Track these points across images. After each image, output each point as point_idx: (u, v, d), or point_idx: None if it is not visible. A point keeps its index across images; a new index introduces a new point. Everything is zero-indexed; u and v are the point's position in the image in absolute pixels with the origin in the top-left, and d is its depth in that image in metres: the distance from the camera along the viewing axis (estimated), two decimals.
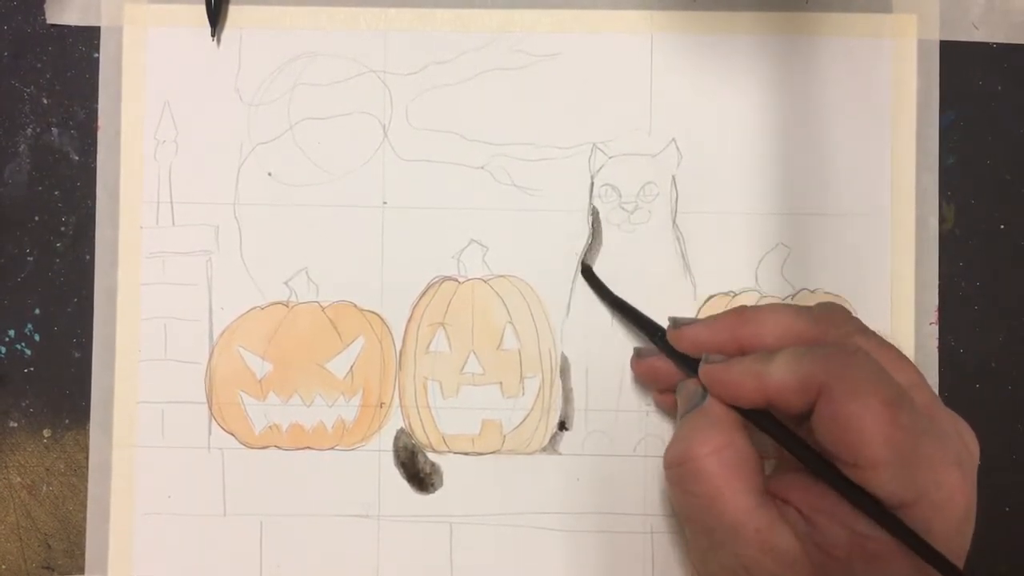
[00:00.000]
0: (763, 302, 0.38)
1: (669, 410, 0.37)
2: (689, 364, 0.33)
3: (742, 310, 0.33)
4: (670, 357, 0.34)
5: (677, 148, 0.38)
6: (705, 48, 0.38)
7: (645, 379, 0.37)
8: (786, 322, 0.31)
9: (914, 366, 0.30)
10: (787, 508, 0.29)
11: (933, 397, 0.30)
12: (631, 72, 0.38)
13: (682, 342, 0.33)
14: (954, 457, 0.27)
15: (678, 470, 0.30)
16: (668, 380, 0.34)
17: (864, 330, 0.31)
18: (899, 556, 0.27)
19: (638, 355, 0.36)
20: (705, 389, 0.31)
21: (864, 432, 0.26)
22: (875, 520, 0.27)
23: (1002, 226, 0.38)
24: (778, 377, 0.29)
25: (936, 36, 0.38)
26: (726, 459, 0.29)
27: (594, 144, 0.38)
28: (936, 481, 0.27)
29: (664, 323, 0.34)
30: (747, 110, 0.38)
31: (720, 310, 0.38)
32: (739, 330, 0.32)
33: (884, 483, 0.27)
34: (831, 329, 0.30)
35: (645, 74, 0.38)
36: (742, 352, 0.31)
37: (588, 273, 0.37)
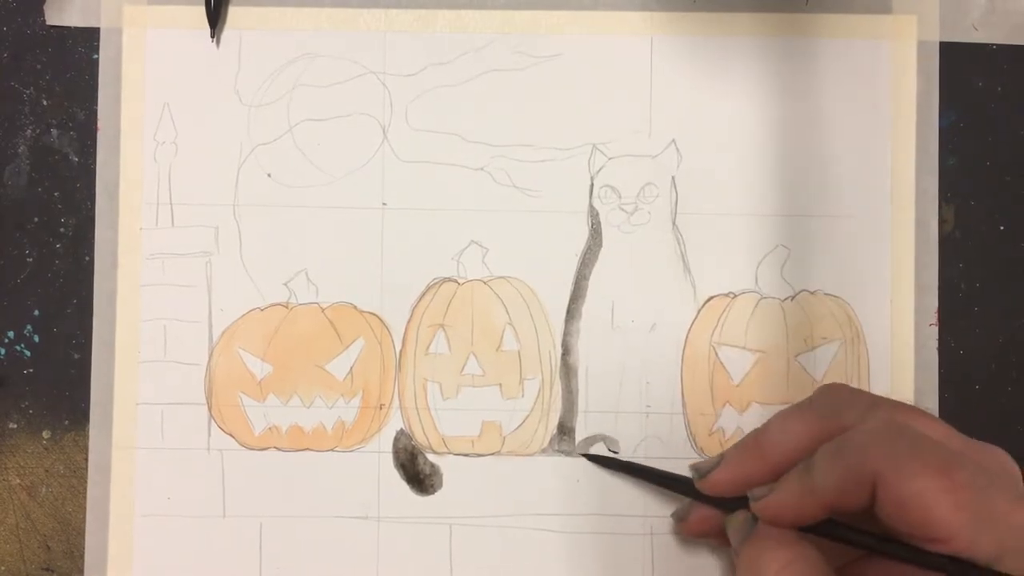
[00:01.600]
0: (763, 304, 0.38)
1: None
2: (729, 503, 0.32)
3: (754, 439, 0.32)
4: (708, 504, 0.33)
5: (677, 149, 0.38)
6: (705, 50, 0.38)
7: (700, 535, 0.35)
8: (798, 431, 0.30)
9: (931, 415, 0.30)
10: None
11: (965, 440, 0.29)
12: (631, 74, 0.38)
13: (714, 489, 0.32)
14: (1014, 492, 0.27)
15: None
16: (720, 526, 0.33)
17: (874, 401, 0.30)
18: None
19: (679, 517, 0.35)
20: (754, 516, 0.31)
21: (932, 508, 0.26)
22: None
23: (1002, 227, 0.38)
24: (830, 486, 0.28)
25: (936, 37, 0.38)
26: (799, 572, 0.28)
27: (594, 145, 0.38)
28: (1012, 526, 0.26)
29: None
30: (747, 112, 0.38)
31: (720, 311, 0.38)
32: (761, 459, 0.31)
33: (966, 548, 0.26)
34: (844, 414, 0.30)
35: (645, 76, 0.38)
36: (775, 473, 0.31)
37: (590, 456, 0.37)
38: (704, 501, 0.33)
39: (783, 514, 0.30)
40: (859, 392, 0.31)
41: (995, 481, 0.27)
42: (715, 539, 0.35)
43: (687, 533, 0.36)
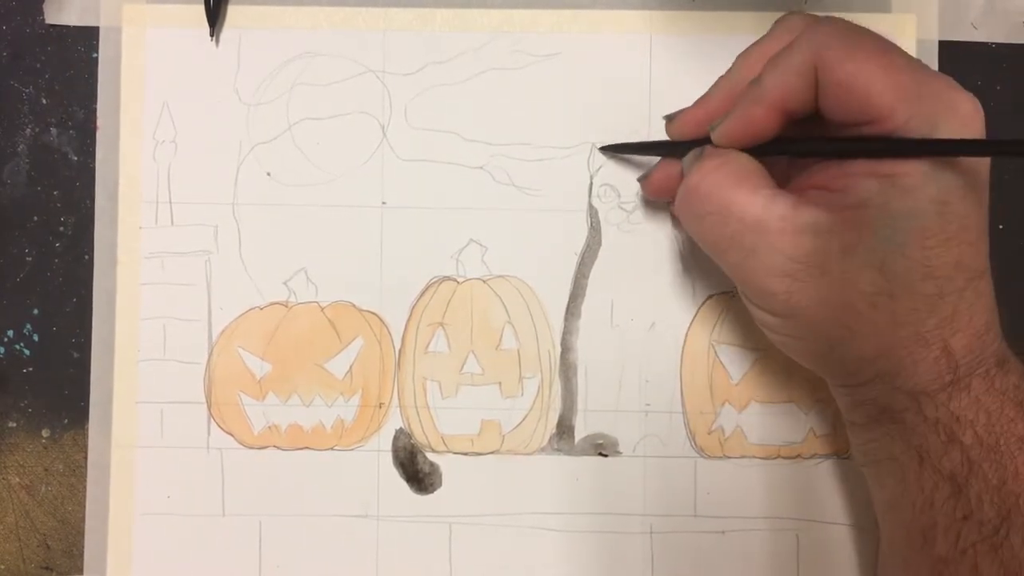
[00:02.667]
0: None
1: None
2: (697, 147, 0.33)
3: (718, 79, 0.33)
4: (678, 156, 0.34)
5: None
6: (704, 48, 0.38)
7: (659, 191, 0.36)
8: (757, 59, 0.31)
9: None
10: (806, 192, 0.30)
11: (911, 55, 0.30)
12: (630, 72, 0.38)
13: (681, 128, 0.33)
14: (953, 84, 0.28)
15: (686, 203, 0.31)
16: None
17: (826, 16, 0.31)
18: (927, 179, 0.27)
19: (643, 177, 0.36)
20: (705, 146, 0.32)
21: (869, 84, 0.27)
22: (911, 154, 0.27)
23: (1001, 226, 0.38)
24: (775, 83, 0.29)
25: (935, 36, 0.38)
26: (727, 172, 0.30)
27: (593, 144, 0.38)
28: (949, 105, 0.27)
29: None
30: None
31: (720, 310, 0.38)
32: (724, 93, 0.32)
33: (902, 126, 0.27)
34: (795, 30, 0.30)
35: (644, 74, 0.38)
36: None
37: (606, 149, 0.38)
38: (678, 154, 0.34)
39: (737, 132, 0.30)
40: (812, 15, 0.31)
41: (936, 75, 0.29)
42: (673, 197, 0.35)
43: (650, 191, 0.36)
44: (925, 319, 0.28)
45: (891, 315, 0.28)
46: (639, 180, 0.37)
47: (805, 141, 0.31)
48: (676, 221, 0.38)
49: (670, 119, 0.34)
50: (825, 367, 0.32)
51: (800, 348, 0.31)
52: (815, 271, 0.28)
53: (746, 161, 0.30)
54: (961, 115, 0.27)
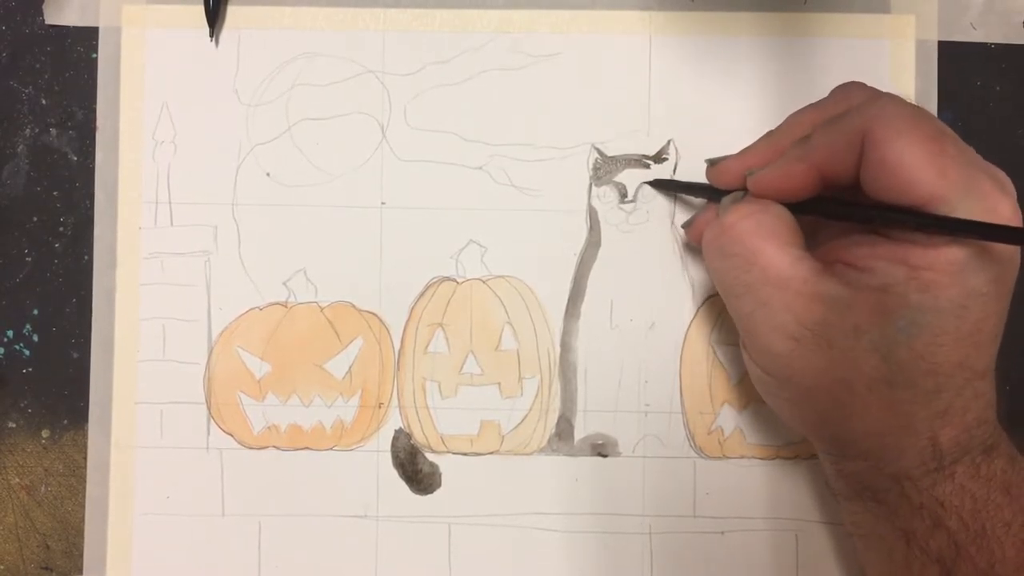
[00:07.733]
0: None
1: None
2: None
3: (767, 132, 0.33)
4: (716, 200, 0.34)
5: (675, 149, 0.38)
6: (703, 49, 0.38)
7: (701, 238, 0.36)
8: (809, 120, 0.31)
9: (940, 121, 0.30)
10: (833, 265, 0.30)
11: (965, 144, 0.29)
12: (629, 73, 0.38)
13: (722, 175, 0.33)
14: (1000, 186, 0.27)
15: (715, 240, 0.31)
16: None
17: (887, 93, 0.30)
18: (953, 280, 0.27)
19: (687, 223, 0.37)
20: (744, 193, 0.31)
21: (915, 167, 0.27)
22: (944, 232, 0.27)
23: None
24: (822, 144, 0.29)
25: (934, 36, 0.38)
26: (762, 221, 0.29)
27: (592, 144, 0.38)
28: (989, 209, 0.27)
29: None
30: (745, 111, 0.38)
31: (720, 310, 0.38)
32: (770, 147, 0.32)
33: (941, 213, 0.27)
34: (853, 101, 0.30)
35: (643, 75, 0.38)
36: None
37: (655, 184, 0.38)
38: (717, 198, 0.34)
39: (773, 183, 0.30)
40: (873, 88, 0.31)
41: (985, 171, 0.28)
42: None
43: (693, 236, 0.36)
44: (918, 411, 0.28)
45: (886, 401, 0.28)
46: (683, 227, 0.37)
47: (842, 204, 0.30)
48: (675, 226, 0.38)
49: (712, 163, 0.34)
50: (812, 435, 0.32)
51: (791, 413, 0.31)
52: (821, 342, 0.28)
53: (784, 215, 0.30)
54: (1000, 218, 0.27)
